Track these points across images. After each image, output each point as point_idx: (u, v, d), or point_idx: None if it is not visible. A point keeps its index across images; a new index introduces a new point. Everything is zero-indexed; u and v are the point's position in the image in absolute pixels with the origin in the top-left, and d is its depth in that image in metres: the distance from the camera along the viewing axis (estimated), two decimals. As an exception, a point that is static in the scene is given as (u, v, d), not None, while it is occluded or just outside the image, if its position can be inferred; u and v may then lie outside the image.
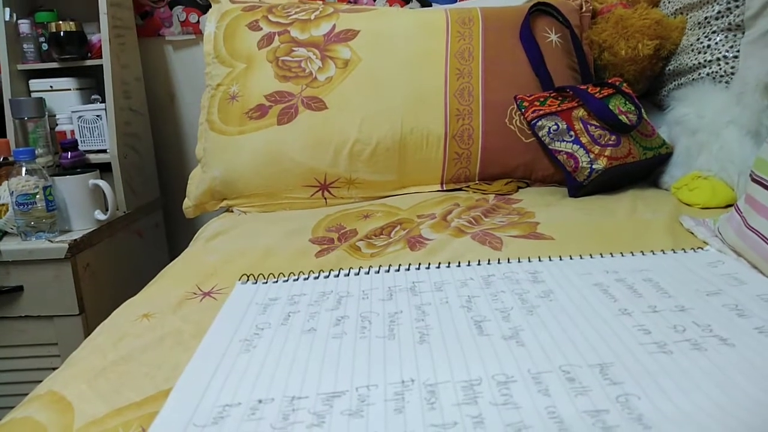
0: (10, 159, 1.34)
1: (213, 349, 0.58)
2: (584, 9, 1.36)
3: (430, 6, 1.60)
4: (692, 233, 0.85)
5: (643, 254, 0.75)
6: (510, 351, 0.52)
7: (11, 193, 1.21)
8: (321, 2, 1.43)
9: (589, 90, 1.17)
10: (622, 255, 0.75)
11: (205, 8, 1.62)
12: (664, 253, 0.75)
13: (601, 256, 0.74)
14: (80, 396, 0.55)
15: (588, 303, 0.60)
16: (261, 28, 1.30)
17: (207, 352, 0.58)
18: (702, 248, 0.77)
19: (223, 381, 0.52)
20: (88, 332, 0.94)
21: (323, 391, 0.48)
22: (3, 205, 1.26)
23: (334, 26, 1.29)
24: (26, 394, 0.59)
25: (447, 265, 0.76)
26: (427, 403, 0.44)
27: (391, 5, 1.61)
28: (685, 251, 0.76)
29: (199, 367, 0.55)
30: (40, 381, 0.61)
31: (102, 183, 1.30)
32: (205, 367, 0.55)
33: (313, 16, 1.31)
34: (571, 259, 0.74)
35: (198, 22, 1.65)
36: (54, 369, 0.64)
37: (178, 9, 1.64)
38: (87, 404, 0.53)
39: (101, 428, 0.49)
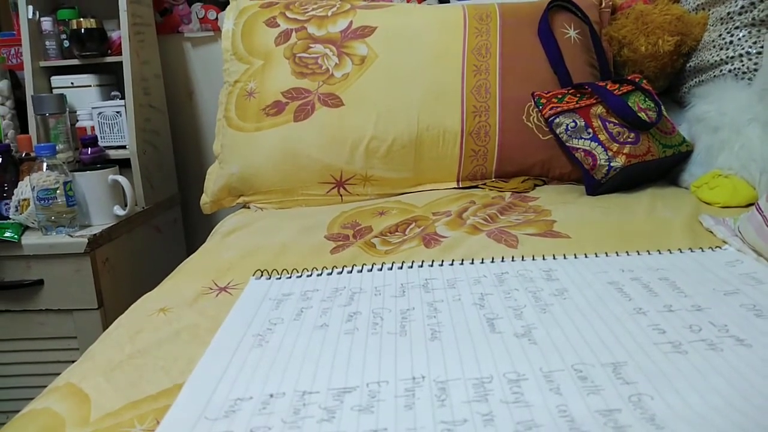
0: (32, 154, 1.36)
1: (226, 344, 0.59)
2: (603, 5, 1.35)
3: (448, 2, 1.59)
4: (712, 233, 0.84)
5: (660, 253, 0.74)
6: (522, 349, 0.51)
7: (32, 188, 1.22)
8: (338, -1, 1.43)
9: (608, 87, 1.16)
10: (639, 253, 0.74)
11: (223, 5, 1.63)
12: (681, 252, 0.74)
13: (617, 255, 0.74)
14: (97, 388, 0.56)
15: (602, 302, 0.60)
16: (278, 25, 1.31)
17: (220, 347, 0.59)
18: (720, 247, 0.76)
19: (235, 375, 0.52)
20: (106, 326, 0.96)
21: (334, 387, 0.48)
22: (24, 200, 1.28)
23: (351, 23, 1.29)
24: (45, 386, 0.60)
25: (460, 262, 0.76)
26: (438, 399, 0.44)
27: (408, 1, 1.61)
28: (702, 250, 0.75)
29: (211, 362, 0.56)
30: (59, 373, 0.62)
31: (121, 179, 1.32)
32: (217, 362, 0.55)
33: (330, 13, 1.31)
34: (586, 257, 0.74)
35: (216, 18, 1.66)
36: (72, 362, 0.65)
37: (197, 6, 1.66)
38: (103, 396, 0.54)
39: (117, 420, 0.50)
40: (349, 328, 0.59)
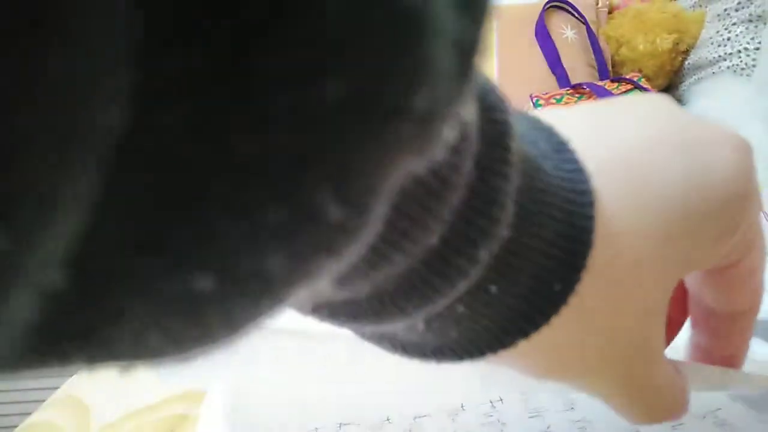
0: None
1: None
2: (600, 4, 1.35)
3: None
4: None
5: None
6: None
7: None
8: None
9: (606, 86, 1.16)
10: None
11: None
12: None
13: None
14: (97, 399, 0.55)
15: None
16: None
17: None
18: None
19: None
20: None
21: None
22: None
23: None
24: (45, 399, 0.59)
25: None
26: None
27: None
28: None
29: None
30: (61, 385, 0.61)
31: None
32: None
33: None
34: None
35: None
36: (74, 373, 0.64)
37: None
38: (104, 407, 0.53)
39: (117, 431, 0.49)
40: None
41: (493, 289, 0.17)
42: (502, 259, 0.17)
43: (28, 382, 1.27)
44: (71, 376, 0.63)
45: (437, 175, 0.14)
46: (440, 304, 0.17)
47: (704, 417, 0.36)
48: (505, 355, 0.19)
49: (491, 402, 0.44)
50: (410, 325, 0.18)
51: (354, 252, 0.11)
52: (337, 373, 0.49)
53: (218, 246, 0.10)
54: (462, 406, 0.44)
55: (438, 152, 0.12)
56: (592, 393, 0.22)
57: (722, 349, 0.25)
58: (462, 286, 0.16)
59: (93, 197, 0.08)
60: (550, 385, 0.43)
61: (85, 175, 0.08)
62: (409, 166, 0.11)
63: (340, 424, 0.44)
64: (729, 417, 0.36)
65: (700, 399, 0.38)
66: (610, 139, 0.19)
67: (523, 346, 0.18)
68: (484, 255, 0.16)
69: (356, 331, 0.20)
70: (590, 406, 0.41)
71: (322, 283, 0.12)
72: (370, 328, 0.18)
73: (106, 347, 0.11)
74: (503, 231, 0.16)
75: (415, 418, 0.43)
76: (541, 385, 0.44)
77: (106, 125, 0.08)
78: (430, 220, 0.14)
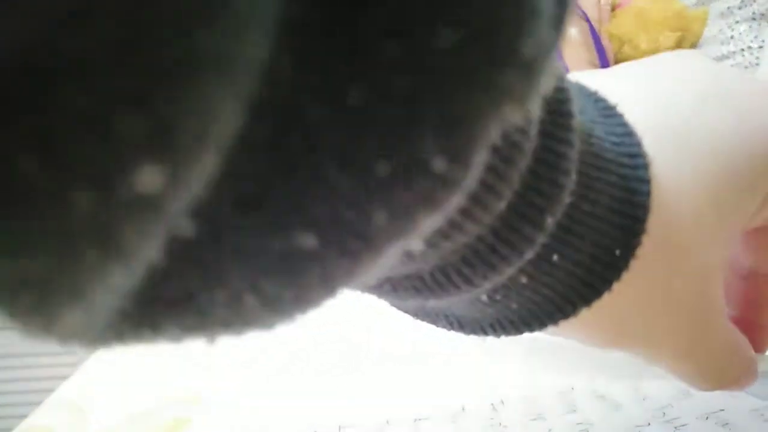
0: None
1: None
2: (603, 2, 1.34)
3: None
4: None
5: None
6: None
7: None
8: None
9: (608, 84, 1.15)
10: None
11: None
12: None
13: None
14: (95, 403, 0.54)
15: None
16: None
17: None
18: None
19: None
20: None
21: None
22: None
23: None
24: (42, 401, 0.58)
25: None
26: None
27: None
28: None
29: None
30: (56, 388, 0.61)
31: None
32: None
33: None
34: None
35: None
36: (70, 376, 0.63)
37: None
38: (101, 411, 0.53)
39: (114, 435, 0.49)
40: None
41: (555, 257, 0.17)
42: (564, 226, 0.17)
43: (23, 384, 1.27)
44: (66, 378, 0.62)
45: (508, 140, 0.14)
46: (506, 273, 0.17)
47: (707, 417, 0.35)
48: (566, 325, 0.19)
49: (492, 404, 0.44)
50: (473, 298, 0.18)
51: (451, 207, 0.11)
52: (337, 375, 0.49)
53: (323, 201, 0.10)
54: (463, 409, 0.44)
55: (535, 106, 0.12)
56: (657, 362, 0.21)
57: (758, 317, 0.25)
58: (528, 254, 0.17)
59: (231, 141, 0.08)
60: (552, 388, 0.42)
61: (234, 113, 0.08)
62: (510, 117, 0.11)
63: (340, 426, 0.43)
64: (732, 417, 0.35)
65: (703, 399, 0.38)
66: (654, 101, 0.19)
67: (585, 315, 0.19)
68: (550, 222, 0.16)
69: (412, 308, 0.20)
70: (591, 408, 0.40)
71: (415, 242, 0.12)
72: (431, 303, 0.19)
73: (200, 314, 0.10)
74: (566, 198, 0.17)
75: (415, 420, 0.43)
76: (542, 387, 0.43)
77: (259, 61, 0.08)
78: (503, 186, 0.15)
